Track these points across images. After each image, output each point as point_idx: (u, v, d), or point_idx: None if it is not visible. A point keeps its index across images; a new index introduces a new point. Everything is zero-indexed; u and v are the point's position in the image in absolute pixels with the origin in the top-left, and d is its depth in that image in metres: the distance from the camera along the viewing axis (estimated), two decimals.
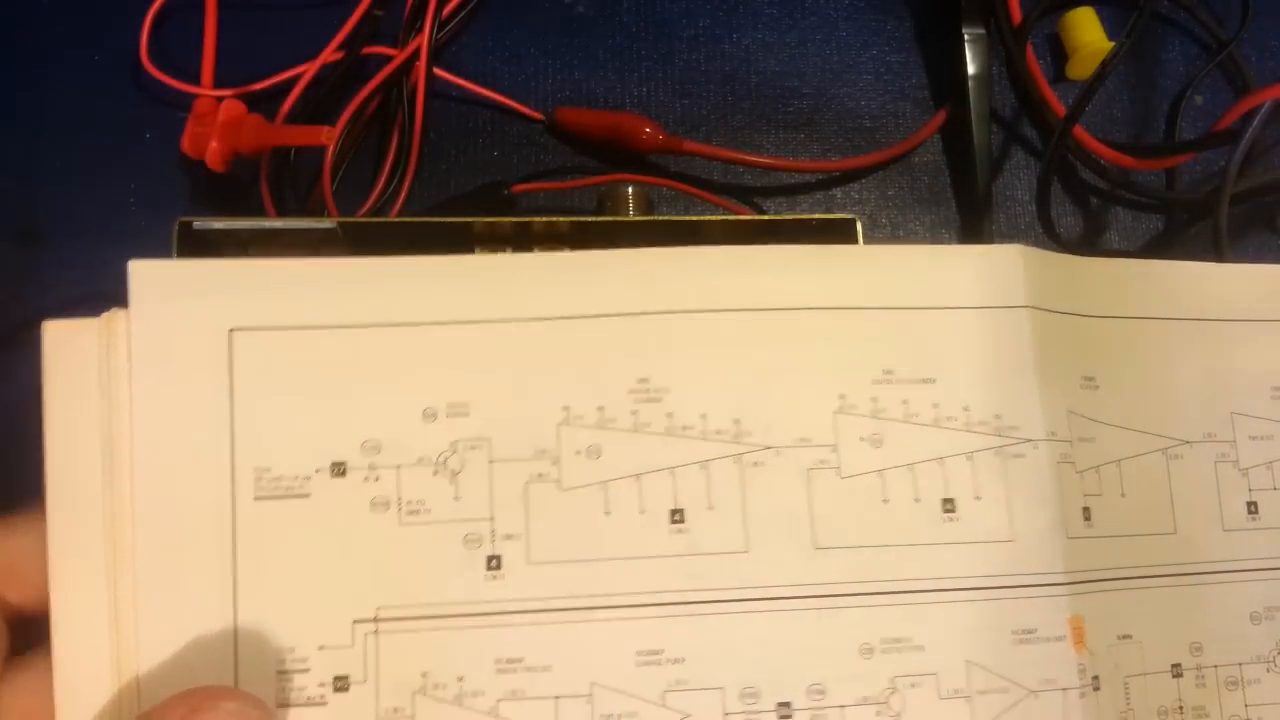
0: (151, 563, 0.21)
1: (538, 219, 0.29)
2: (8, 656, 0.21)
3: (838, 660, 0.23)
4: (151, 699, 0.21)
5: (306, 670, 0.21)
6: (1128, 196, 0.37)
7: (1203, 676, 0.25)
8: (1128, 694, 0.24)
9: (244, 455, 0.22)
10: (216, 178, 0.33)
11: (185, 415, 0.22)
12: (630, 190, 0.32)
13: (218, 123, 0.33)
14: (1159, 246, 0.37)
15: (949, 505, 0.24)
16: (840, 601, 0.23)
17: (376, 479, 0.22)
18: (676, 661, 0.22)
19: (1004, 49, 0.37)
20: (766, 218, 0.34)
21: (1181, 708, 0.25)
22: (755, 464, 0.23)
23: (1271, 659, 0.26)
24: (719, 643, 0.23)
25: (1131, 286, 0.27)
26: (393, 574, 0.22)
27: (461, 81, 0.35)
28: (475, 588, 0.22)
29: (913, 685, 0.23)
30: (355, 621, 0.22)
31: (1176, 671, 0.25)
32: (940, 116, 0.36)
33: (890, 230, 0.36)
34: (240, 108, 0.33)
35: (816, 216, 0.29)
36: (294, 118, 0.34)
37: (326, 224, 0.28)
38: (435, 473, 0.23)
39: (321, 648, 0.22)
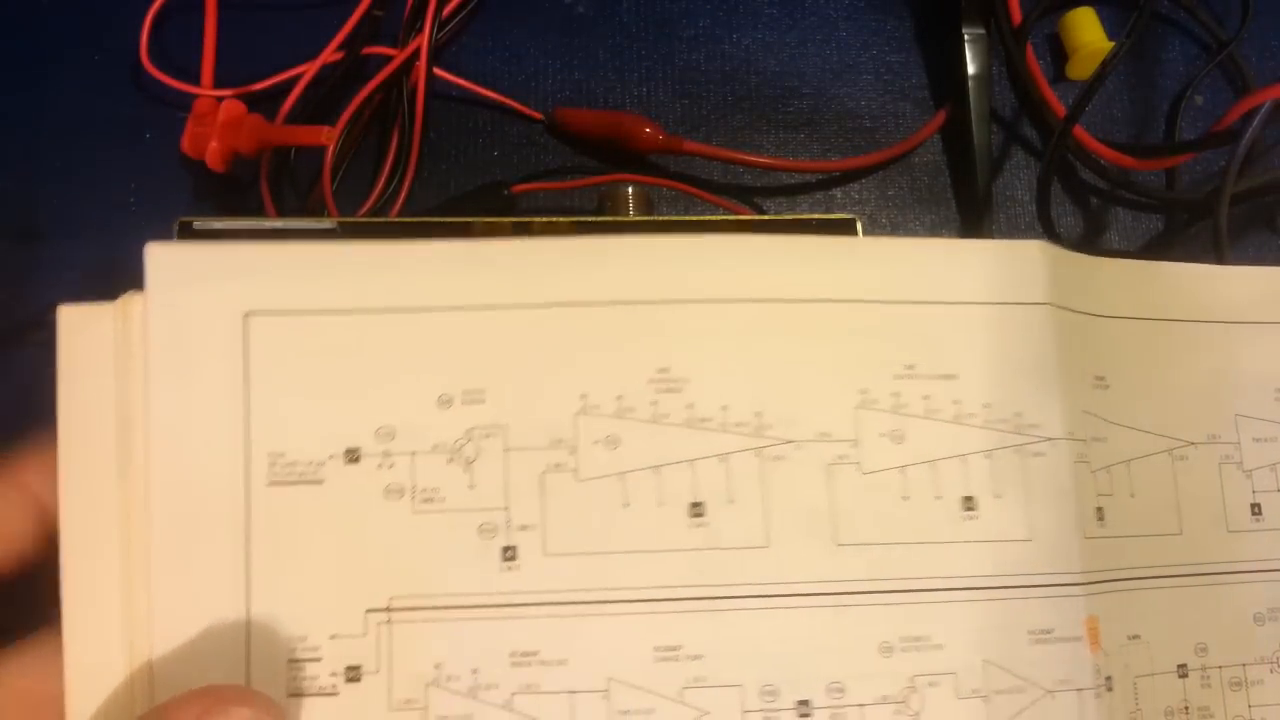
0: (165, 547, 0.21)
1: (538, 219, 0.29)
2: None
3: (857, 658, 0.22)
4: (164, 685, 0.21)
5: (318, 660, 0.21)
6: (1128, 196, 0.37)
7: (1208, 677, 0.25)
8: (1136, 694, 0.24)
9: (259, 440, 0.22)
10: (216, 178, 0.33)
11: (200, 400, 0.22)
12: (630, 190, 0.32)
13: (218, 123, 0.33)
14: (1159, 246, 0.37)
15: (969, 503, 0.23)
16: (860, 599, 0.23)
17: (391, 466, 0.22)
18: (695, 658, 0.22)
19: (1004, 49, 0.37)
20: (766, 218, 0.34)
21: (1187, 708, 0.25)
22: (776, 458, 0.23)
23: (1275, 660, 0.26)
24: (738, 639, 0.22)
25: (1141, 287, 0.27)
26: (406, 563, 0.22)
27: (461, 81, 0.35)
28: (490, 578, 0.22)
29: (931, 684, 0.23)
30: (368, 611, 0.22)
31: (1183, 672, 0.25)
32: (940, 116, 0.36)
33: (890, 230, 0.36)
34: (240, 108, 0.33)
35: (816, 216, 0.29)
36: (294, 118, 0.34)
37: (326, 224, 0.28)
38: (450, 460, 0.22)
39: (334, 637, 0.21)
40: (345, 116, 0.34)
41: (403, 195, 0.34)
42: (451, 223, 0.29)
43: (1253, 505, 0.26)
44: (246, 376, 0.22)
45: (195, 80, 0.35)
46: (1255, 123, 0.32)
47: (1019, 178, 0.37)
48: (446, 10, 0.35)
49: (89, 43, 0.35)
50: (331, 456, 0.22)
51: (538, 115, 0.36)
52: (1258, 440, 0.27)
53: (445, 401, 0.22)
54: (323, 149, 0.33)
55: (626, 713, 0.22)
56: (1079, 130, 0.35)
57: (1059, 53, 0.38)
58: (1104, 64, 0.32)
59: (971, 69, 0.36)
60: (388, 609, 0.22)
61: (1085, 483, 0.24)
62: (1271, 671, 0.26)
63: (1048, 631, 0.23)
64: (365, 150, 0.35)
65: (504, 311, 0.23)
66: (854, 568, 0.23)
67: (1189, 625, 0.25)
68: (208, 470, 0.22)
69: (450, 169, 0.35)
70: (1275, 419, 0.27)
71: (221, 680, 0.21)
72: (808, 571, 0.23)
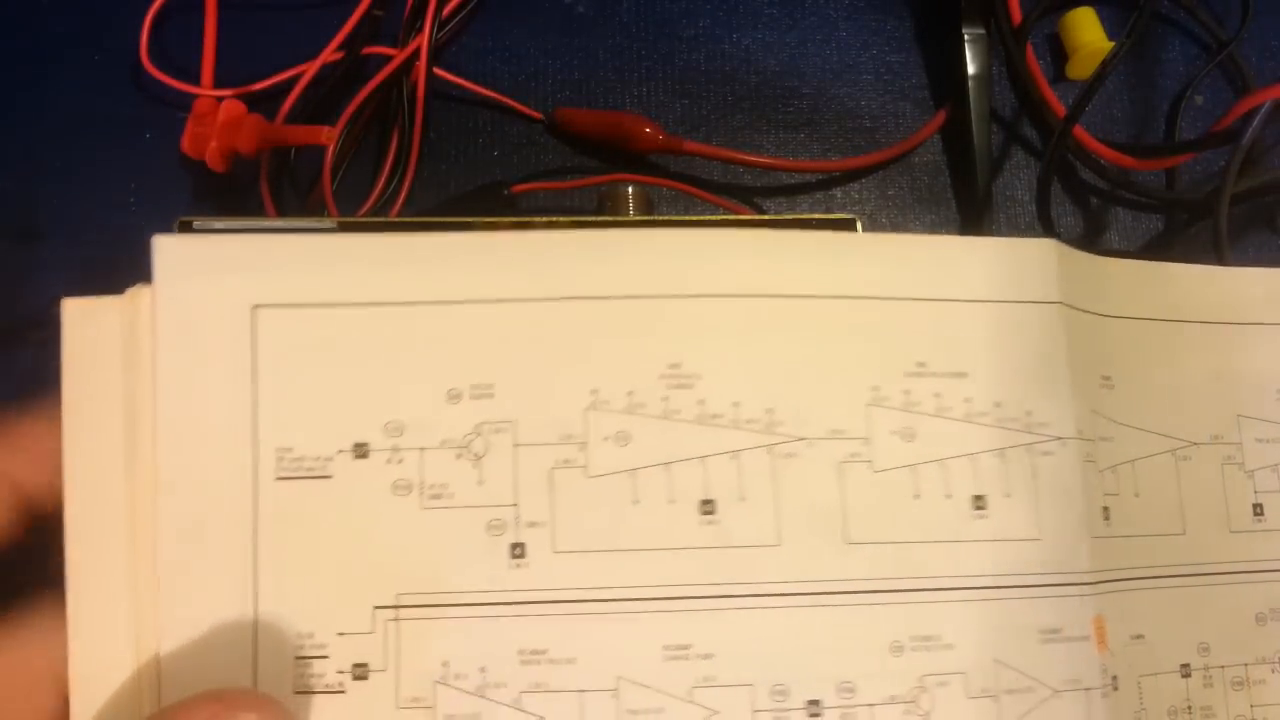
0: (173, 543, 0.21)
1: (538, 219, 0.29)
2: None
3: (867, 658, 0.22)
4: (171, 682, 0.21)
5: (325, 657, 0.21)
6: (1128, 196, 0.37)
7: (1210, 677, 0.25)
8: (1141, 694, 0.24)
9: (266, 434, 0.22)
10: (216, 178, 0.33)
11: (208, 394, 0.22)
12: (630, 190, 0.32)
13: (218, 123, 0.33)
14: (1159, 246, 0.37)
15: (979, 502, 0.23)
16: (871, 598, 0.23)
17: (399, 461, 0.22)
18: (705, 657, 0.22)
19: (1004, 49, 0.37)
20: (766, 218, 0.34)
21: (1190, 708, 0.25)
22: (788, 455, 0.23)
23: (1277, 660, 0.26)
24: (748, 638, 0.22)
25: (1147, 287, 0.27)
26: (414, 559, 0.22)
27: (461, 81, 0.35)
28: (498, 576, 0.22)
29: (941, 684, 0.22)
30: (376, 608, 0.21)
31: (1185, 672, 0.25)
32: (940, 116, 0.36)
33: (890, 230, 0.36)
34: (240, 108, 0.33)
35: (816, 216, 0.29)
36: (294, 118, 0.34)
37: (326, 224, 0.28)
38: (458, 456, 0.22)
39: (341, 634, 0.21)
40: (345, 116, 0.34)
41: (403, 195, 0.34)
42: (451, 223, 0.29)
43: (1255, 506, 0.26)
44: (254, 370, 0.22)
45: (195, 80, 0.35)
46: (1255, 123, 0.32)
47: (1019, 178, 0.37)
48: (446, 10, 0.35)
49: (89, 43, 0.35)
50: (340, 451, 0.22)
51: (538, 115, 0.36)
52: (1260, 441, 0.27)
53: (454, 396, 0.22)
54: (323, 149, 0.33)
55: (635, 712, 0.22)
56: (1079, 130, 0.35)
57: (1059, 53, 0.38)
58: (1104, 64, 0.32)
59: (971, 69, 0.36)
60: (395, 606, 0.21)
61: (1093, 482, 0.24)
62: (1273, 671, 0.26)
63: (1056, 631, 0.23)
64: (365, 150, 0.35)
65: (514, 305, 0.23)
66: (865, 566, 0.23)
67: (1191, 625, 0.25)
68: (215, 465, 0.21)
69: (450, 169, 0.35)
70: (1277, 419, 0.27)
71: (228, 678, 0.21)
72: (819, 570, 0.23)
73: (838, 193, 0.37)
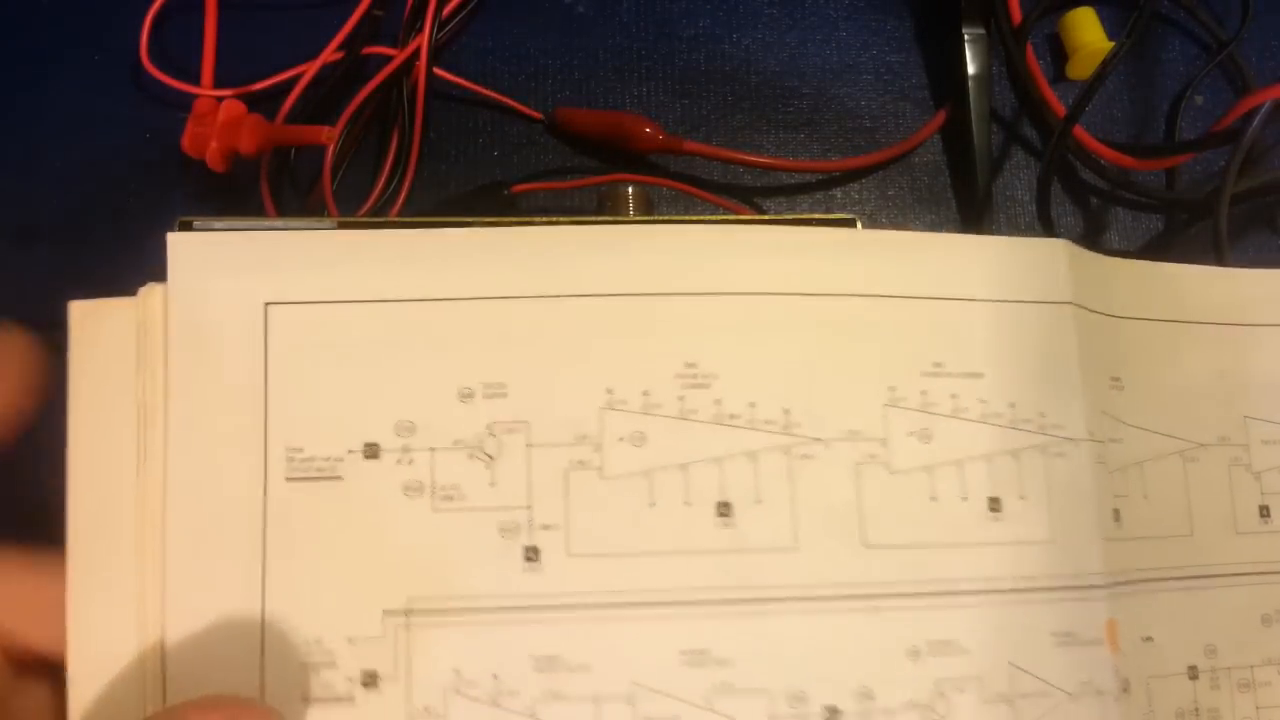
0: (181, 543, 0.21)
1: (538, 219, 0.29)
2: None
3: (885, 663, 0.22)
4: (175, 686, 0.20)
5: (334, 664, 0.21)
6: (1128, 196, 0.37)
7: (1216, 679, 0.25)
8: (1150, 696, 0.24)
9: (277, 433, 0.21)
10: (216, 178, 0.33)
11: (220, 392, 0.21)
12: (630, 190, 0.32)
13: (218, 123, 0.33)
14: (1159, 246, 0.37)
15: (995, 504, 0.23)
16: (888, 602, 0.22)
17: (410, 462, 0.22)
18: (722, 662, 0.22)
19: (1004, 49, 0.37)
20: (766, 218, 0.34)
21: (1197, 710, 0.25)
22: (805, 456, 0.23)
23: None
24: (766, 643, 0.22)
25: (1155, 288, 0.27)
26: (425, 563, 0.21)
27: (461, 81, 0.35)
28: (511, 580, 0.21)
29: (958, 689, 0.22)
30: (386, 612, 0.21)
31: (1193, 673, 0.25)
32: (940, 116, 0.36)
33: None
34: (240, 108, 0.33)
35: (816, 216, 0.29)
36: (294, 118, 0.34)
37: (326, 224, 0.28)
38: (471, 456, 0.22)
39: (350, 639, 0.21)
40: (345, 116, 0.34)
41: (403, 195, 0.34)
42: (451, 223, 0.29)
43: (1261, 507, 0.26)
44: (266, 367, 0.21)
45: (195, 80, 0.35)
46: (1255, 123, 0.32)
47: (1019, 178, 0.37)
48: (446, 10, 0.35)
49: (89, 43, 0.35)
50: (350, 452, 0.21)
51: (538, 115, 0.36)
52: (1267, 442, 0.27)
53: (466, 395, 0.22)
54: (323, 149, 0.33)
55: None
56: (1079, 130, 0.35)
57: (1059, 53, 0.38)
58: (1104, 64, 0.32)
59: (971, 69, 0.36)
60: (406, 610, 0.21)
61: (1104, 484, 0.24)
62: (1279, 673, 0.26)
63: (1070, 634, 0.23)
64: (365, 150, 0.35)
65: (527, 302, 0.22)
66: (883, 569, 0.22)
67: (1199, 627, 0.25)
68: (226, 464, 0.21)
69: (450, 169, 0.35)
70: None
71: (234, 683, 0.20)
72: (837, 573, 0.22)
73: (838, 193, 0.37)
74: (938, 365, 0.23)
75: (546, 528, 0.22)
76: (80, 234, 0.34)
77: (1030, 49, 0.37)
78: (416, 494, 0.22)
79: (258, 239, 0.22)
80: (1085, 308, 0.25)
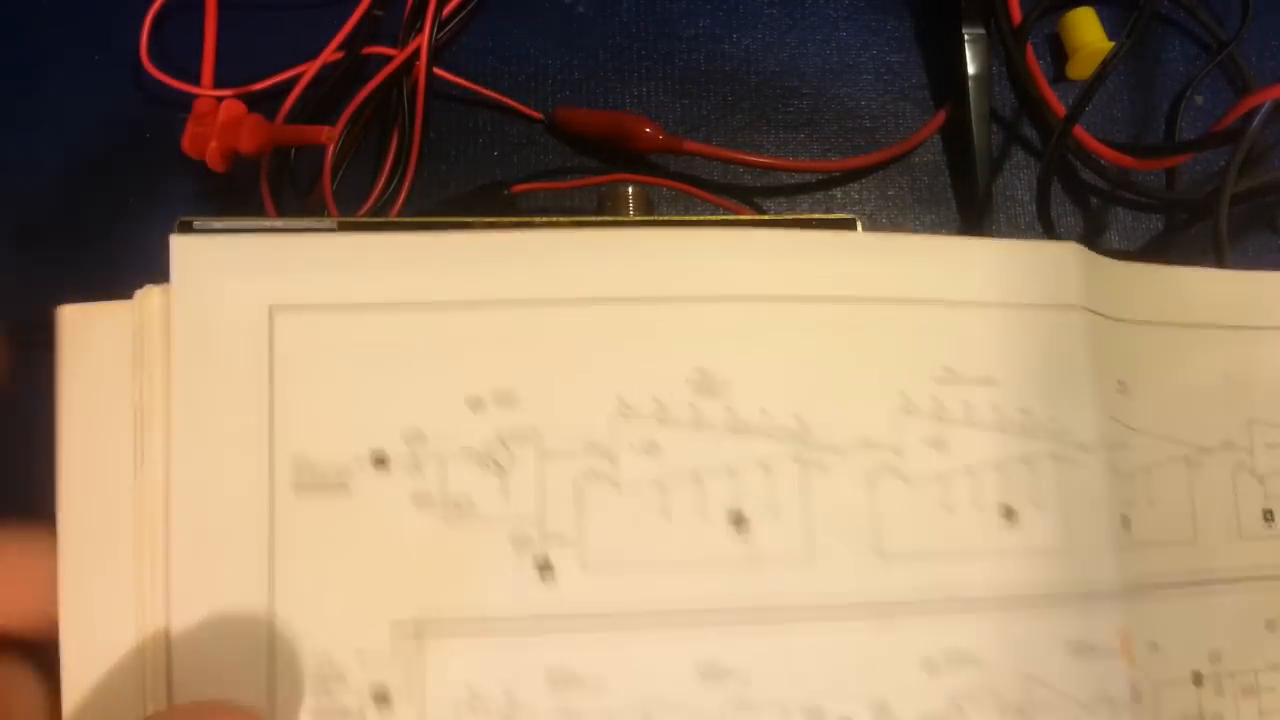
0: (186, 554, 0.20)
1: (538, 219, 0.29)
2: None
3: (901, 675, 0.22)
4: (181, 699, 0.20)
5: (344, 679, 0.20)
6: (1128, 196, 0.37)
7: (1221, 684, 0.25)
8: (1158, 704, 0.24)
9: (283, 443, 0.21)
10: (216, 178, 0.33)
11: (225, 398, 0.21)
12: (630, 190, 0.32)
13: (218, 123, 0.33)
14: (1159, 246, 0.37)
15: (1008, 512, 0.23)
16: (904, 612, 0.22)
17: (419, 472, 0.21)
18: (737, 677, 0.21)
19: (1004, 49, 0.37)
20: (766, 218, 0.34)
21: (1202, 716, 0.24)
22: (819, 465, 0.22)
23: None
24: (781, 656, 0.21)
25: (1160, 291, 0.26)
26: (436, 576, 0.21)
27: (461, 81, 0.35)
28: (524, 593, 0.21)
29: (973, 701, 0.22)
30: (396, 626, 0.21)
31: (1197, 679, 0.25)
32: (940, 116, 0.36)
33: (890, 230, 0.36)
34: (240, 108, 0.33)
35: (816, 216, 0.29)
36: (294, 118, 0.34)
37: (326, 224, 0.28)
38: (481, 466, 0.21)
39: (361, 656, 0.20)
40: (345, 116, 0.34)
41: (403, 195, 0.34)
42: (451, 223, 0.29)
43: (1265, 512, 0.26)
44: (271, 374, 0.21)
45: (195, 80, 0.35)
46: (1255, 123, 0.32)
47: (1019, 178, 0.37)
48: (446, 10, 0.35)
49: (89, 43, 0.35)
50: (358, 461, 0.21)
51: (538, 115, 0.36)
52: (1271, 446, 0.26)
53: (475, 402, 0.21)
54: (323, 149, 0.33)
55: None
56: (1079, 130, 0.35)
57: (1059, 53, 0.38)
58: (1104, 64, 0.32)
59: (971, 69, 0.36)
60: (417, 625, 0.21)
61: (1115, 491, 0.24)
62: None
63: (1083, 643, 0.23)
64: (365, 150, 0.35)
65: (536, 307, 0.22)
66: (897, 580, 0.22)
67: (1203, 633, 0.25)
68: (231, 473, 0.21)
69: (450, 169, 0.35)
70: None
71: (242, 698, 0.20)
72: (852, 584, 0.22)
73: (838, 193, 0.37)
74: (949, 370, 0.23)
75: (559, 540, 0.21)
76: (80, 234, 0.34)
77: (1030, 49, 0.37)
78: (426, 505, 0.21)
79: (262, 242, 0.22)
80: (1094, 311, 0.24)
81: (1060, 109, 0.36)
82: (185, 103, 0.34)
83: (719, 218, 0.30)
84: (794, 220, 0.29)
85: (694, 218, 0.30)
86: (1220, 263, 0.32)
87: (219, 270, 0.21)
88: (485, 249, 0.22)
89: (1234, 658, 0.25)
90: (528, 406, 0.22)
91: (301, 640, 0.20)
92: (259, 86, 0.34)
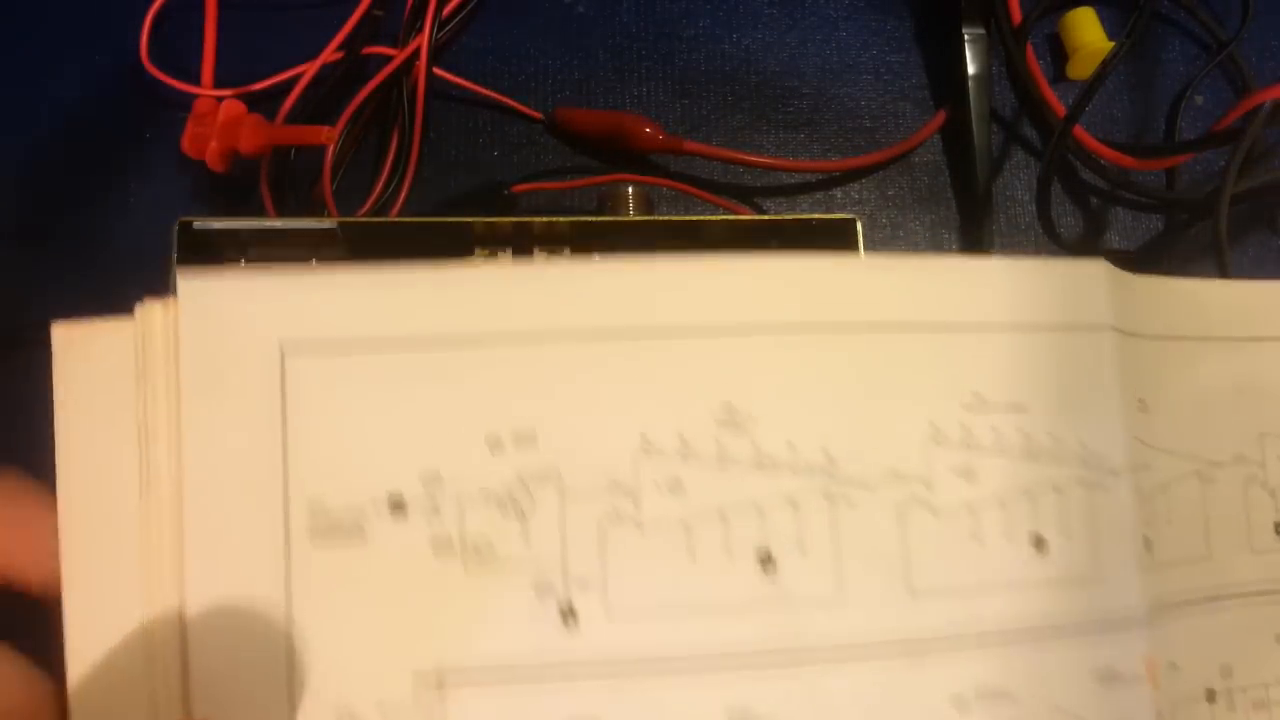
0: (201, 612, 0.19)
1: (538, 219, 0.29)
2: None
3: (931, 714, 0.21)
4: None
5: None
6: (1128, 196, 0.37)
7: (1233, 699, 0.25)
8: None
9: (297, 489, 0.20)
10: (216, 178, 0.33)
11: (237, 444, 0.20)
12: (630, 190, 0.32)
13: (218, 123, 0.33)
14: (1159, 247, 0.37)
15: (1039, 542, 0.22)
16: (934, 648, 0.21)
17: (437, 515, 0.20)
18: None
19: (1004, 49, 0.37)
20: (766, 218, 0.34)
21: None
22: (847, 500, 0.22)
23: None
24: (811, 699, 0.21)
25: (1176, 305, 0.26)
26: (457, 624, 0.20)
27: (461, 81, 0.35)
28: (548, 641, 0.20)
29: None
30: (418, 677, 0.20)
31: (1210, 696, 0.24)
32: (940, 116, 0.36)
33: (890, 230, 0.36)
34: (240, 108, 0.33)
35: (816, 216, 0.29)
36: (294, 118, 0.34)
37: (326, 224, 0.28)
38: (501, 509, 0.21)
39: (381, 708, 0.20)
40: (345, 116, 0.34)
41: (403, 195, 0.34)
42: (451, 223, 0.29)
43: (1276, 525, 0.26)
44: (284, 417, 0.20)
45: (195, 80, 0.35)
46: (1255, 123, 0.32)
47: (1019, 178, 0.37)
48: (446, 10, 0.35)
49: (89, 43, 0.35)
50: (375, 505, 0.20)
51: (538, 115, 0.36)
52: None
53: (494, 442, 0.21)
54: (323, 149, 0.33)
55: None
56: (1079, 130, 0.35)
57: (1059, 53, 0.38)
58: (1104, 64, 0.32)
59: (971, 69, 0.36)
60: (439, 675, 0.20)
61: (1139, 513, 0.23)
62: None
63: (1110, 671, 0.22)
64: (365, 150, 0.35)
65: (555, 342, 0.21)
66: (928, 616, 0.21)
67: (1216, 649, 0.25)
68: (244, 523, 0.20)
69: (450, 169, 0.35)
70: None
71: None
72: (882, 622, 0.21)
73: (838, 193, 0.37)
74: (978, 397, 0.22)
75: (582, 584, 0.21)
76: (80, 234, 0.34)
77: (1030, 49, 0.37)
78: (446, 550, 0.20)
79: (272, 281, 0.21)
80: (1121, 330, 0.24)
81: (1060, 109, 0.36)
82: (185, 103, 0.34)
83: (712, 218, 0.29)
84: (794, 220, 0.29)
85: (691, 218, 0.30)
86: (1220, 263, 0.32)
87: (228, 311, 0.21)
88: (501, 282, 0.21)
89: (1245, 672, 0.25)
90: (548, 445, 0.21)
91: (322, 693, 0.20)
92: (259, 86, 0.34)
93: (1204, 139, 0.37)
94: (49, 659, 0.20)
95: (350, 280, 0.21)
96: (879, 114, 0.37)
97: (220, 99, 0.34)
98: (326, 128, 0.33)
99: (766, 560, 0.21)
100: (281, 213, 0.33)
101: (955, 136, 0.37)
